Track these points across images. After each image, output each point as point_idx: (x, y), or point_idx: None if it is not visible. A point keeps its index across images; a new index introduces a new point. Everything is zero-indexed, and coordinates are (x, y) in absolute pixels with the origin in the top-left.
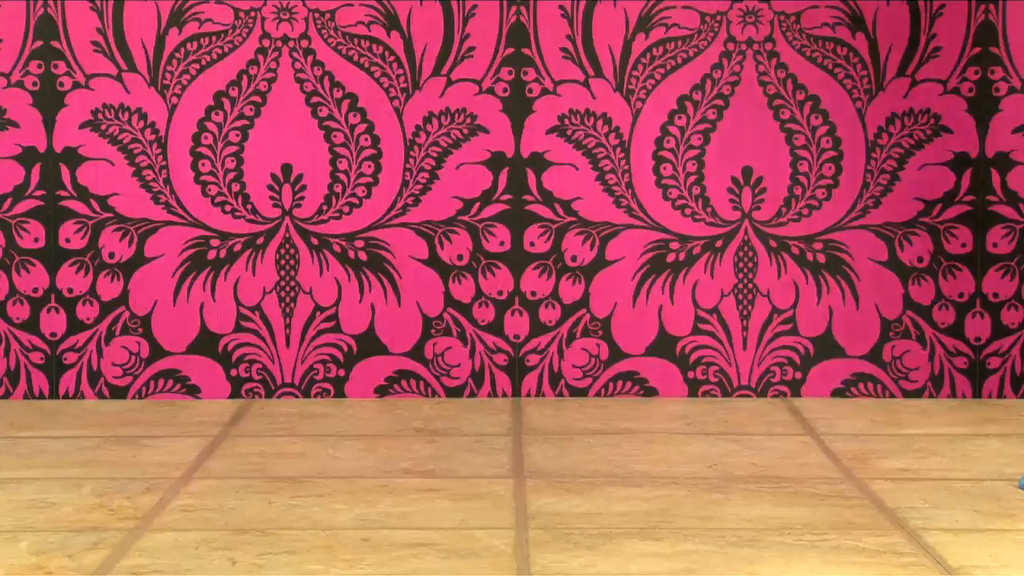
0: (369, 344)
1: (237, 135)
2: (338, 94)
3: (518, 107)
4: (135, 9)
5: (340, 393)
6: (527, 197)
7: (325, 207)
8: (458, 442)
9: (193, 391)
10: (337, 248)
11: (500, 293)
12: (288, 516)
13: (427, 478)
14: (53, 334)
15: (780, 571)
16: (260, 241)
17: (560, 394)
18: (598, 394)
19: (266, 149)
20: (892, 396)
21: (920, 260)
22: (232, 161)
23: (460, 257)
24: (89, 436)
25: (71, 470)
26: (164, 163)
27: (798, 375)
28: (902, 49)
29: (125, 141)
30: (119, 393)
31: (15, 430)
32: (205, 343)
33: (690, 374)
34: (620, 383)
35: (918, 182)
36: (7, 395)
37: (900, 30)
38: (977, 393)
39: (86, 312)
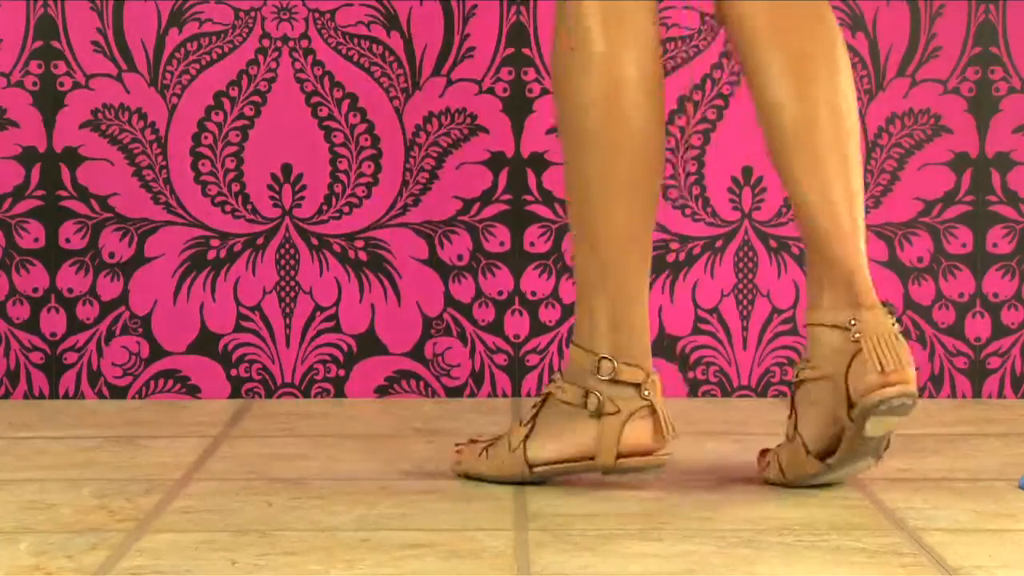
0: (369, 344)
1: (237, 135)
2: (338, 94)
3: (518, 107)
4: (135, 9)
5: (340, 393)
6: (527, 197)
7: (325, 207)
8: None
9: (193, 391)
10: (337, 248)
11: (500, 293)
12: (288, 517)
13: (427, 479)
14: (53, 334)
15: (780, 571)
16: (260, 241)
17: None
18: None
19: (266, 149)
20: None
21: (920, 260)
22: (232, 161)
23: (460, 257)
24: (89, 436)
25: (71, 471)
26: (164, 163)
27: None
28: (902, 49)
29: (125, 141)
30: (119, 393)
31: (15, 430)
32: (205, 343)
33: (690, 374)
34: None
35: (918, 182)
36: (7, 395)
37: (900, 30)
38: (977, 393)
39: (86, 312)
